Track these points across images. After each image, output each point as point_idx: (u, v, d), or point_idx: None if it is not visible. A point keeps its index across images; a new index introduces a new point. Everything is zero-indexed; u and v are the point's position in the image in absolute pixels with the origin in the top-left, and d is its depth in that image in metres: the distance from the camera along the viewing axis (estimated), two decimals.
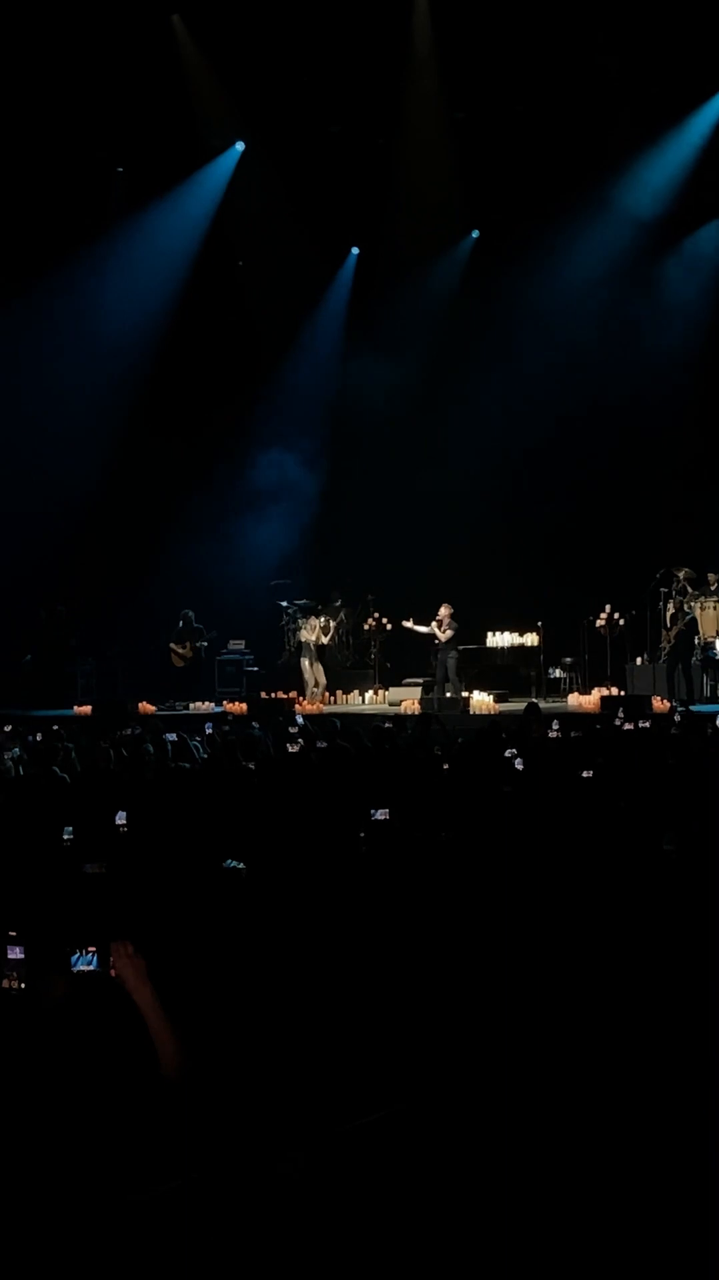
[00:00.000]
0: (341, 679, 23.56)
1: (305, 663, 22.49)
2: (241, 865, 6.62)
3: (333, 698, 22.83)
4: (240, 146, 24.71)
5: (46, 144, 22.39)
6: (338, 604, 24.45)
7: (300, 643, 22.66)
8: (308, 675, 22.45)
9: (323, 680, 22.68)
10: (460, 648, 21.92)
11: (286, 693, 22.47)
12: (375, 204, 24.53)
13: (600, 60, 21.70)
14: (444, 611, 21.73)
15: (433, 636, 21.80)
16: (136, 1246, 3.63)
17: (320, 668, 22.65)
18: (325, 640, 22.71)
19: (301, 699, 22.21)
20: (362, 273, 26.33)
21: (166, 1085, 4.15)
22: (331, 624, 23.03)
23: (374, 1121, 4.30)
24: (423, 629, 21.93)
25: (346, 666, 24.31)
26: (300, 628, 23.03)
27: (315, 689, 22.46)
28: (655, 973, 5.45)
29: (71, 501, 23.90)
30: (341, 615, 24.31)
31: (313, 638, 22.53)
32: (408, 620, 22.23)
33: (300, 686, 22.59)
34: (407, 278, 25.32)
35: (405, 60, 23.01)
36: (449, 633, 21.63)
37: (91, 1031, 4.21)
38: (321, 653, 22.73)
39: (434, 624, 21.76)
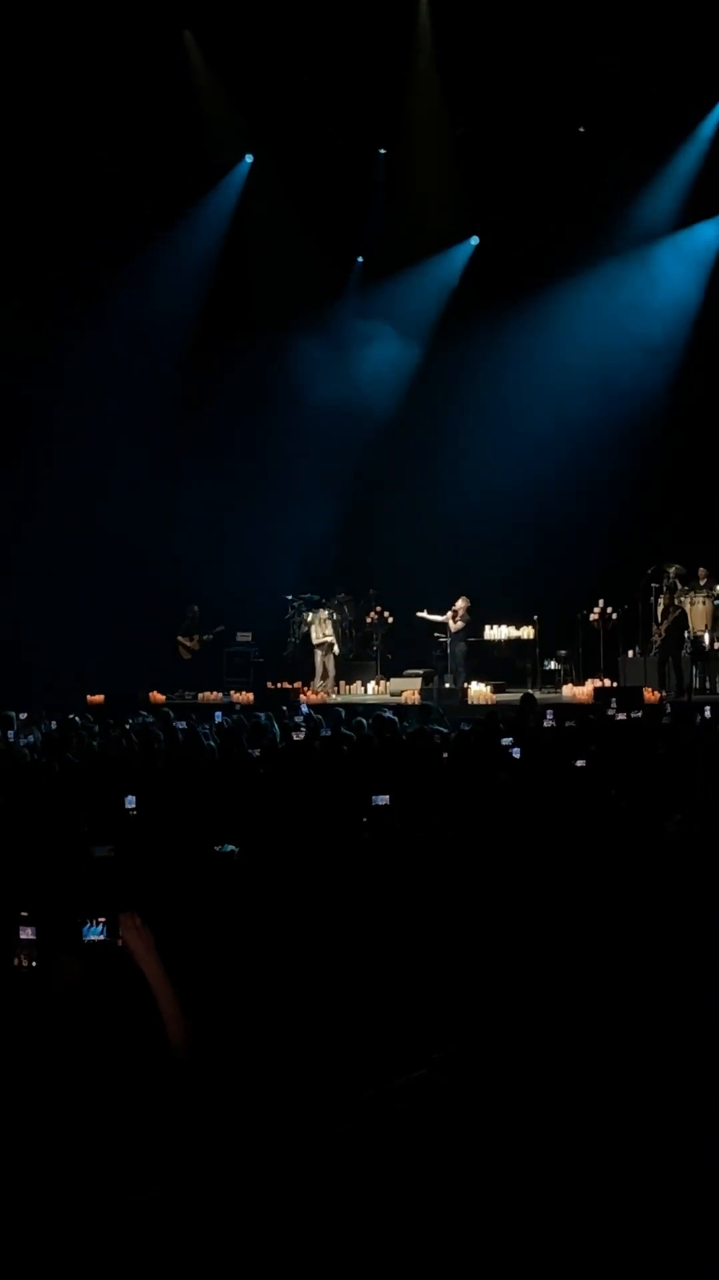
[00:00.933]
0: (344, 670, 23.61)
1: (318, 655, 22.48)
2: (234, 849, 6.59)
3: (336, 689, 22.81)
4: (249, 159, 24.70)
5: (55, 156, 22.33)
6: (341, 598, 24.42)
7: (313, 636, 22.62)
8: (319, 666, 22.42)
9: (332, 671, 22.67)
10: (469, 640, 22.03)
11: (292, 683, 22.46)
12: (379, 213, 24.53)
13: (601, 69, 21.61)
14: (461, 604, 22.05)
15: (445, 625, 21.87)
16: (140, 1241, 3.59)
17: (332, 659, 22.65)
18: (323, 634, 22.67)
19: (306, 688, 22.21)
20: (368, 279, 26.32)
21: (173, 1058, 4.12)
22: (327, 616, 23.01)
23: (378, 1098, 4.26)
24: (437, 617, 22.09)
25: (349, 659, 24.30)
26: (312, 622, 23.06)
27: (323, 681, 22.43)
28: (652, 954, 5.41)
29: (90, 497, 23.95)
30: (345, 609, 24.28)
31: (323, 632, 22.52)
32: (423, 610, 22.30)
33: (308, 677, 22.57)
34: (410, 283, 25.26)
35: (408, 73, 22.97)
36: (460, 624, 21.80)
37: (102, 1004, 4.17)
38: (332, 646, 22.71)
39: (449, 613, 21.89)
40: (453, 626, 21.97)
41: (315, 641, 22.64)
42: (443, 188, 24.10)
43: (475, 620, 22.44)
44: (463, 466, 24.55)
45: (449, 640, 22.02)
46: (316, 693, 21.87)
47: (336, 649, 22.99)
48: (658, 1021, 4.88)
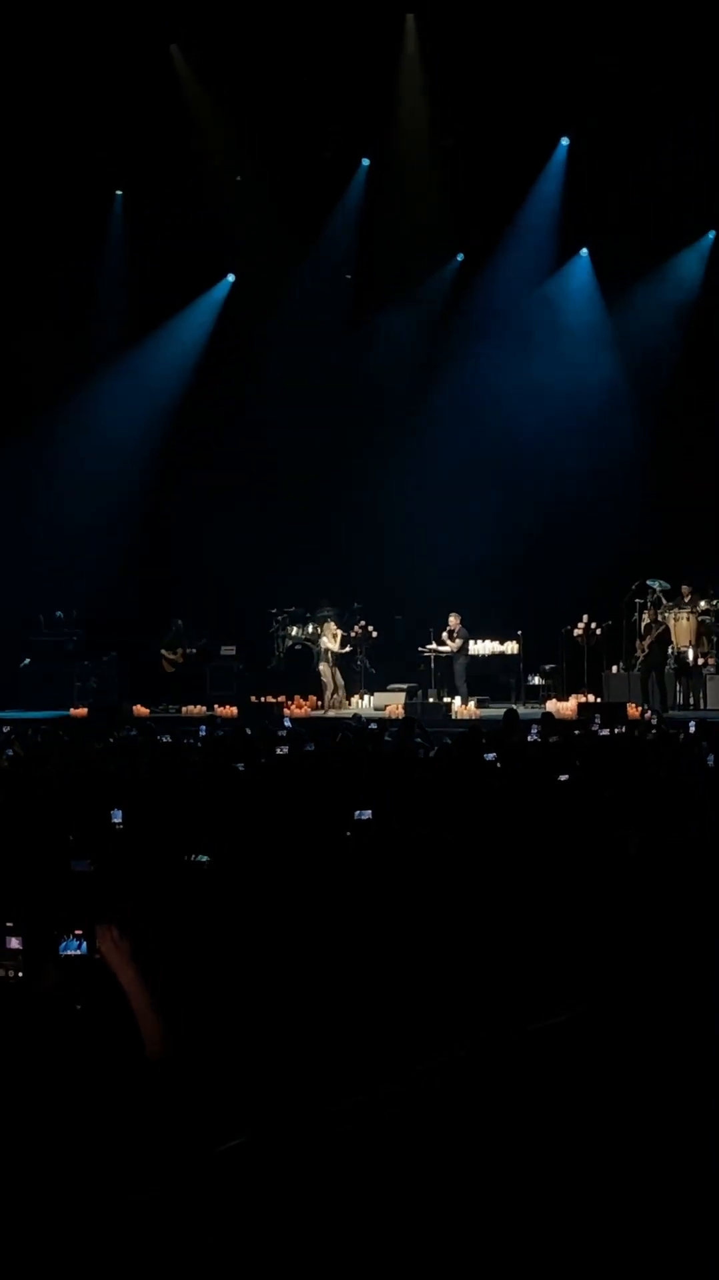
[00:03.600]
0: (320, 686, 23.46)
1: (324, 667, 22.41)
2: (206, 859, 6.60)
3: (347, 701, 22.74)
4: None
5: (45, 168, 22.44)
6: (325, 612, 24.41)
7: (322, 649, 22.53)
8: (327, 679, 22.35)
9: (341, 683, 22.60)
10: (467, 655, 22.12)
11: (276, 696, 22.43)
12: (370, 226, 24.60)
13: (590, 80, 21.69)
14: (452, 621, 21.93)
15: (445, 646, 22.23)
16: (121, 1245, 3.58)
17: (339, 671, 22.57)
18: (336, 647, 22.58)
19: (301, 701, 22.20)
20: (357, 293, 26.40)
21: (152, 1067, 4.12)
22: (339, 631, 22.90)
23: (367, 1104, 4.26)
24: (443, 648, 22.09)
25: (314, 671, 24.26)
26: (316, 635, 23.03)
27: (336, 694, 22.37)
28: (634, 963, 5.42)
29: (75, 514, 24.01)
30: (329, 622, 24.26)
31: (334, 645, 22.46)
32: (425, 645, 22.41)
33: (319, 690, 22.54)
34: (395, 297, 25.31)
35: (395, 87, 23.04)
36: (455, 642, 21.86)
37: (80, 1017, 4.18)
38: (339, 658, 22.65)
39: (445, 634, 21.95)
40: (450, 646, 22.02)
41: (326, 653, 22.47)
42: (429, 203, 24.14)
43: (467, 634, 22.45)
44: (447, 482, 24.60)
45: (450, 658, 22.08)
46: (331, 706, 21.88)
47: (334, 651, 22.68)
48: (639, 1037, 4.88)
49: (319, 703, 22.46)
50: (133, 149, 23.07)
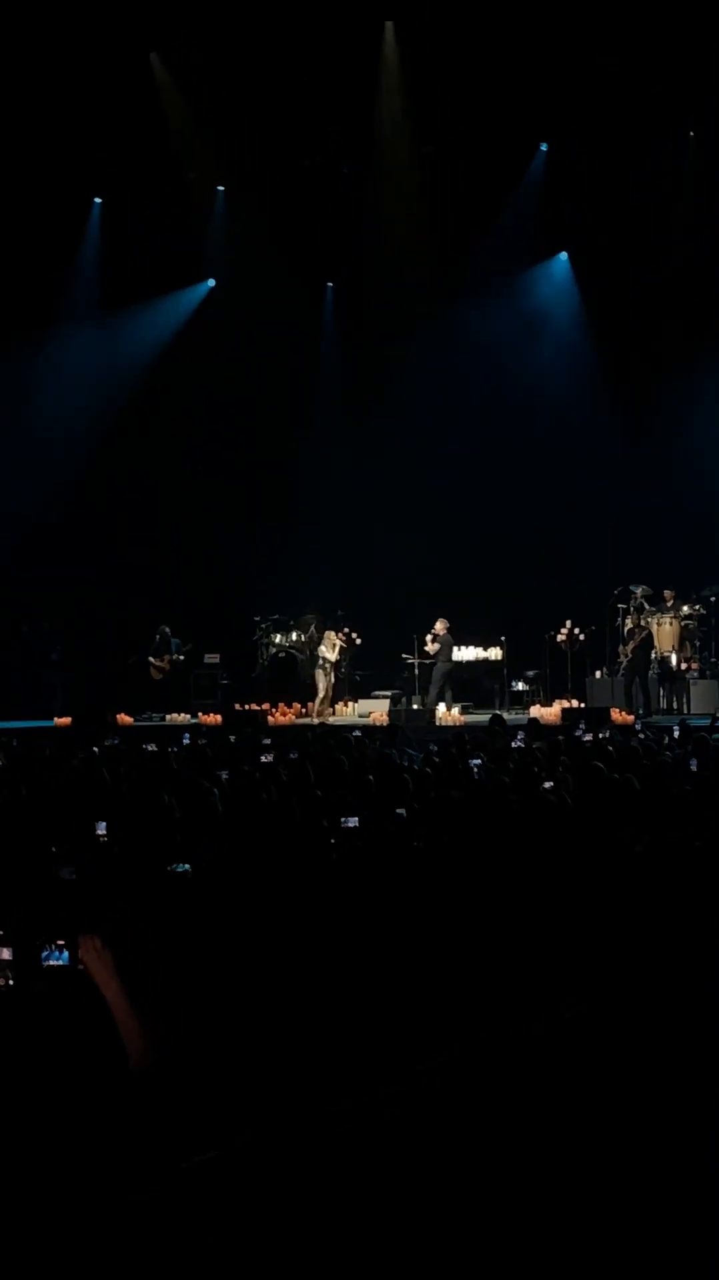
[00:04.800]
0: (313, 692, 23.41)
1: (319, 674, 22.31)
2: (187, 867, 6.60)
3: (332, 710, 22.73)
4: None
5: (24, 174, 22.45)
6: (309, 618, 24.42)
7: (321, 657, 22.44)
8: (322, 688, 22.25)
9: (331, 693, 22.48)
10: (449, 662, 22.03)
11: (260, 704, 22.39)
12: (349, 238, 24.63)
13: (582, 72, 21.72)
14: (439, 626, 21.92)
15: (426, 651, 22.15)
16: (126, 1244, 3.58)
17: (332, 680, 22.45)
18: (334, 656, 22.49)
19: (285, 709, 22.16)
20: (339, 306, 26.46)
21: (134, 1076, 4.12)
22: (338, 640, 22.80)
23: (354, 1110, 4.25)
24: (426, 650, 22.07)
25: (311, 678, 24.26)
26: (306, 641, 22.95)
27: (324, 703, 22.28)
28: (623, 968, 5.42)
29: (51, 517, 23.97)
30: (312, 629, 24.27)
31: (333, 655, 22.37)
32: (408, 654, 22.33)
33: (310, 697, 22.48)
34: (375, 306, 25.34)
35: (375, 98, 23.09)
36: (434, 646, 21.79)
37: (63, 1026, 4.18)
38: (336, 666, 22.57)
39: (429, 637, 21.94)
40: (430, 648, 22.02)
41: (322, 660, 22.37)
42: (410, 212, 24.18)
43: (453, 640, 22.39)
44: (430, 488, 24.65)
45: (432, 663, 22.08)
46: (320, 713, 21.84)
47: (332, 659, 22.57)
48: (635, 1039, 4.89)
49: (303, 710, 22.43)
50: (112, 156, 23.12)
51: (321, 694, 22.21)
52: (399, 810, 8.68)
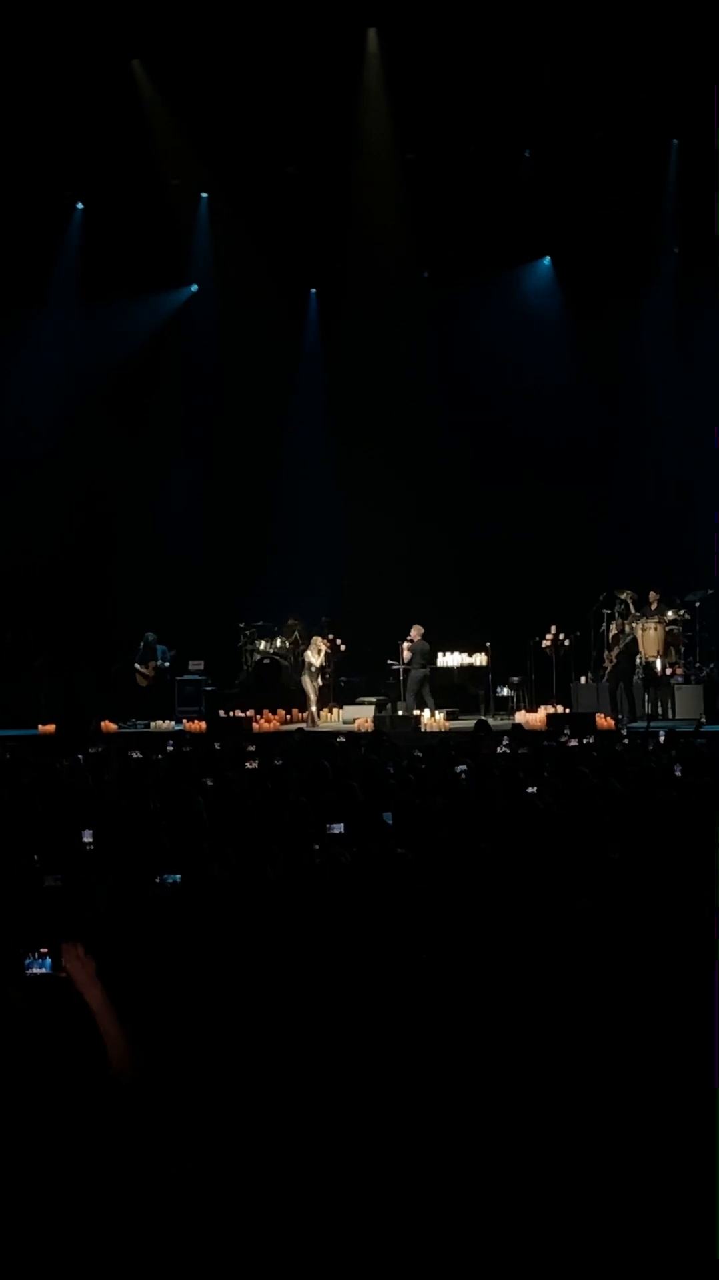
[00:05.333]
0: (298, 698, 23.37)
1: (307, 680, 22.25)
2: (178, 878, 6.58)
3: (288, 715, 22.73)
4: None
5: (3, 179, 22.46)
6: (293, 625, 24.41)
7: (306, 662, 22.38)
8: (310, 692, 22.19)
9: (317, 698, 22.43)
10: (425, 667, 21.97)
11: (245, 711, 22.36)
12: (332, 244, 24.66)
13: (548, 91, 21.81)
14: (413, 632, 21.86)
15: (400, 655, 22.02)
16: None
17: (318, 685, 22.40)
18: (320, 662, 22.44)
19: (269, 715, 22.12)
20: (323, 312, 26.46)
21: (117, 1085, 4.11)
22: (324, 645, 22.73)
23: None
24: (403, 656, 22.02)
25: (298, 685, 24.23)
26: (290, 646, 22.85)
27: (313, 706, 22.23)
28: (604, 983, 5.42)
29: (34, 521, 23.95)
30: (296, 635, 24.25)
31: (318, 660, 22.32)
32: (397, 661, 22.32)
33: (302, 703, 22.45)
34: (361, 313, 25.35)
35: (357, 104, 23.11)
36: (408, 654, 21.73)
37: (46, 1034, 4.16)
38: (322, 671, 22.52)
39: (405, 644, 21.90)
40: (404, 656, 21.96)
41: (309, 666, 22.31)
42: (393, 220, 24.21)
43: (429, 646, 22.33)
44: (414, 490, 24.68)
45: (407, 668, 22.01)
46: (310, 718, 21.82)
47: (318, 665, 22.51)
48: (603, 1056, 4.89)
49: (289, 716, 22.41)
50: (94, 161, 23.09)
51: (314, 698, 22.17)
52: (385, 815, 8.68)
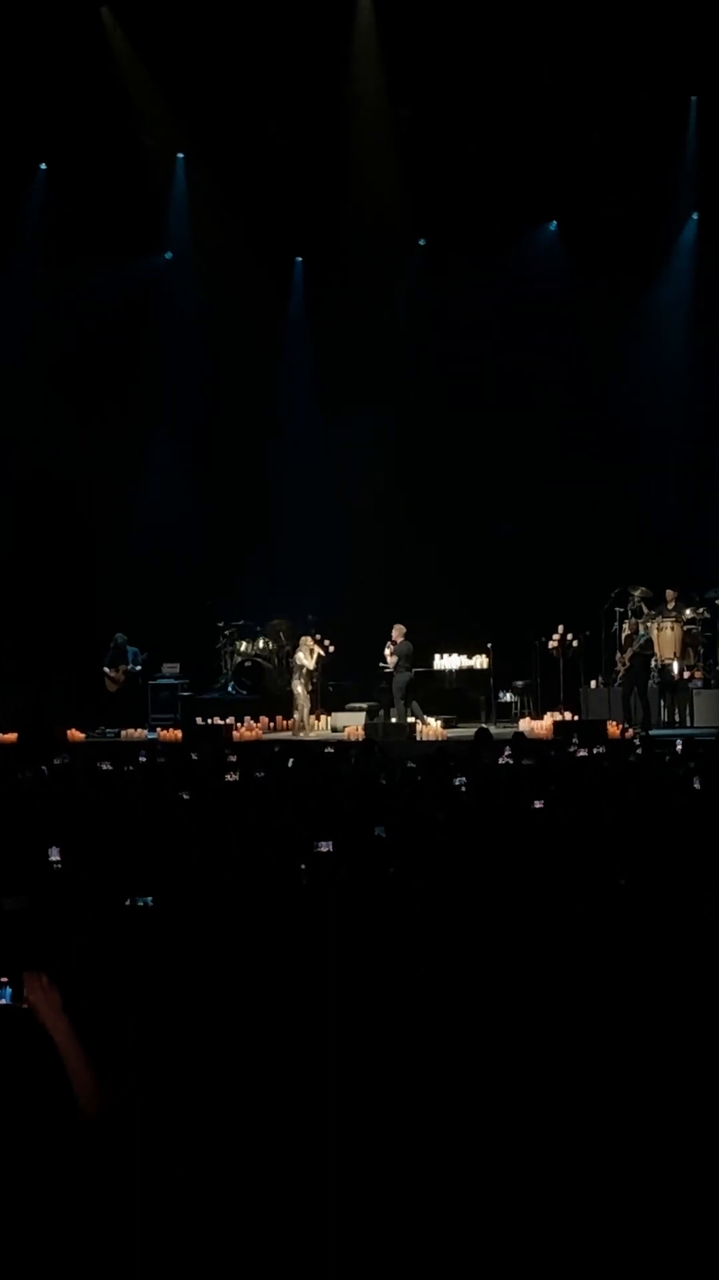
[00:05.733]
0: (282, 704, 23.37)
1: (297, 684, 22.25)
2: (149, 900, 6.60)
3: (271, 722, 22.74)
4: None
5: None
6: (278, 624, 24.41)
7: (298, 665, 22.39)
8: (302, 699, 22.18)
9: (309, 704, 22.43)
10: (409, 670, 21.90)
11: (224, 718, 22.36)
12: (319, 209, 24.61)
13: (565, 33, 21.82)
14: (394, 633, 21.83)
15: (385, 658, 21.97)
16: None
17: (309, 690, 22.37)
18: (312, 664, 22.42)
19: (251, 723, 22.15)
20: (310, 283, 26.44)
21: (83, 1120, 4.14)
22: (316, 646, 22.69)
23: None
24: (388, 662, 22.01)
25: (287, 690, 24.22)
26: (297, 649, 22.83)
27: (303, 712, 22.21)
28: (611, 1008, 5.45)
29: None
30: (281, 635, 24.26)
31: (311, 663, 22.31)
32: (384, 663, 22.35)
33: (286, 708, 22.46)
34: (350, 284, 25.34)
35: (347, 55, 23.08)
36: (393, 658, 21.69)
37: (7, 1068, 4.19)
38: (312, 675, 22.49)
39: (388, 646, 21.86)
40: (388, 660, 21.96)
41: (301, 669, 22.29)
42: (386, 182, 24.19)
43: (419, 648, 22.25)
44: (411, 481, 24.69)
45: (392, 672, 21.96)
46: (301, 726, 21.84)
47: (309, 668, 22.47)
48: (608, 1077, 4.93)
49: (287, 723, 22.43)
50: (58, 119, 22.98)
51: (306, 706, 22.18)
52: (378, 829, 8.69)
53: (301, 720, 22.10)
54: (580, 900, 6.77)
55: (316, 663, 22.47)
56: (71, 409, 24.47)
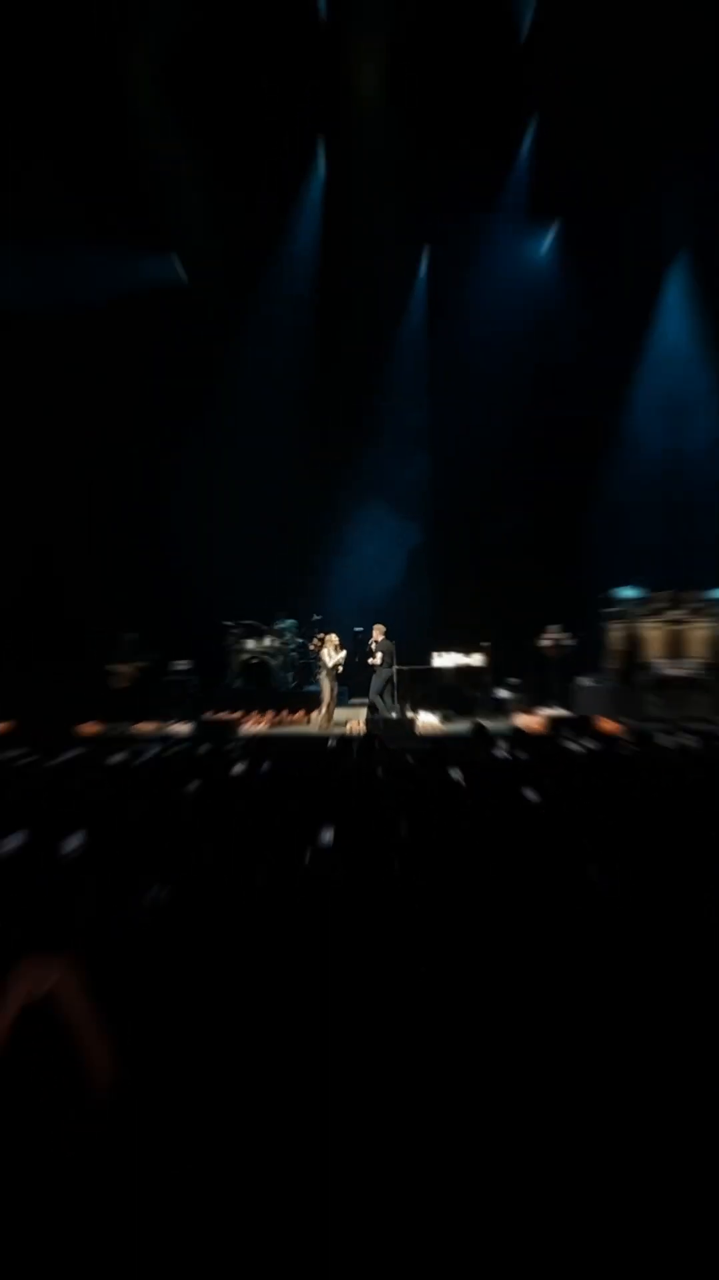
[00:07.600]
0: (288, 699, 23.44)
1: (324, 680, 22.23)
2: (161, 890, 6.62)
3: (276, 716, 22.76)
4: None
5: None
6: (283, 623, 24.43)
7: (323, 661, 22.35)
8: (326, 694, 22.17)
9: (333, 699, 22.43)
10: (398, 668, 21.87)
11: (233, 713, 22.40)
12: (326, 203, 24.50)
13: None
14: (375, 633, 21.83)
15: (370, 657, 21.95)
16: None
17: (334, 686, 22.36)
18: (338, 658, 22.40)
19: (258, 717, 22.15)
20: (317, 283, 26.34)
21: (97, 1098, 4.15)
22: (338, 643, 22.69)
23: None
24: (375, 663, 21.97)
25: (292, 687, 24.28)
26: (322, 646, 22.81)
27: (327, 709, 22.22)
28: (611, 1008, 5.46)
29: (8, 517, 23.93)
30: (287, 635, 24.27)
31: (336, 658, 22.28)
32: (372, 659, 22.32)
33: (248, 707, 22.47)
34: (350, 283, 25.27)
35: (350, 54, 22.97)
36: (376, 656, 21.66)
37: (26, 1048, 4.19)
38: (336, 670, 22.48)
39: (371, 644, 21.82)
40: (376, 658, 21.95)
41: (328, 667, 22.27)
42: (390, 177, 24.03)
43: (417, 646, 22.25)
44: (409, 482, 24.70)
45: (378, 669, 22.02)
46: (325, 721, 21.84)
47: (334, 666, 22.45)
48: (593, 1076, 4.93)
49: (308, 718, 22.44)
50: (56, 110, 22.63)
51: (327, 701, 22.16)
52: (375, 821, 8.71)
53: (328, 714, 22.12)
54: (579, 899, 6.78)
55: (343, 659, 22.50)
56: (66, 398, 24.21)
